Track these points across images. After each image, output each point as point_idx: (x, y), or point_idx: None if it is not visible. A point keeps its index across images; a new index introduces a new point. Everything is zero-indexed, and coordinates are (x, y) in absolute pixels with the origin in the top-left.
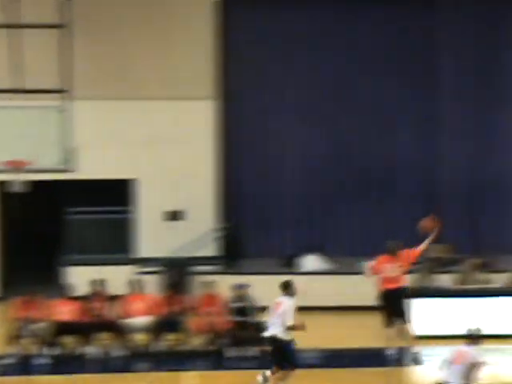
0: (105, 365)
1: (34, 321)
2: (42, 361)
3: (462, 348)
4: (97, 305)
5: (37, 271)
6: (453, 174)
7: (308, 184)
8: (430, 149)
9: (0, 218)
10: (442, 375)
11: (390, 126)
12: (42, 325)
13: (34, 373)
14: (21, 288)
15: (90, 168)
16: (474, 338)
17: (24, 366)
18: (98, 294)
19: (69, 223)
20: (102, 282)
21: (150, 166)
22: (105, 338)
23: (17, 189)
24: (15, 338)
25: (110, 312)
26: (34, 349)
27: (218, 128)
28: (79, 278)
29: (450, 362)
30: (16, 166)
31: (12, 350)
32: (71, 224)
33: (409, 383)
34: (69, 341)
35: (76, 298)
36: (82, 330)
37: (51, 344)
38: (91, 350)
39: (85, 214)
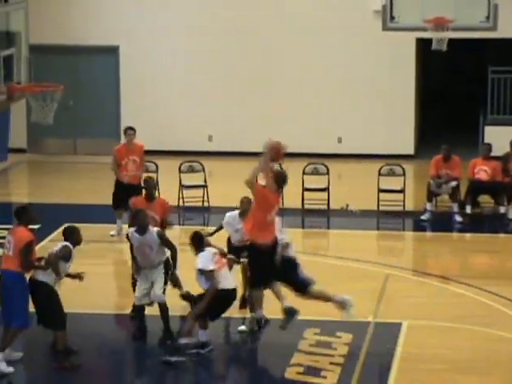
0: None
1: (448, 179)
2: (458, 218)
3: None
4: None
5: (451, 130)
6: None
7: None
8: None
9: (416, 75)
10: None
11: None
12: (454, 183)
13: (451, 230)
14: (435, 146)
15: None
16: None
17: (440, 222)
18: None
19: (491, 82)
20: None
21: None
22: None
23: (438, 47)
24: (430, 194)
25: None
26: (450, 206)
27: None
28: (498, 138)
29: None
30: (438, 24)
31: (429, 206)
32: (493, 83)
33: None
34: (485, 200)
35: (494, 158)
36: (497, 189)
37: (466, 202)
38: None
39: (507, 73)
